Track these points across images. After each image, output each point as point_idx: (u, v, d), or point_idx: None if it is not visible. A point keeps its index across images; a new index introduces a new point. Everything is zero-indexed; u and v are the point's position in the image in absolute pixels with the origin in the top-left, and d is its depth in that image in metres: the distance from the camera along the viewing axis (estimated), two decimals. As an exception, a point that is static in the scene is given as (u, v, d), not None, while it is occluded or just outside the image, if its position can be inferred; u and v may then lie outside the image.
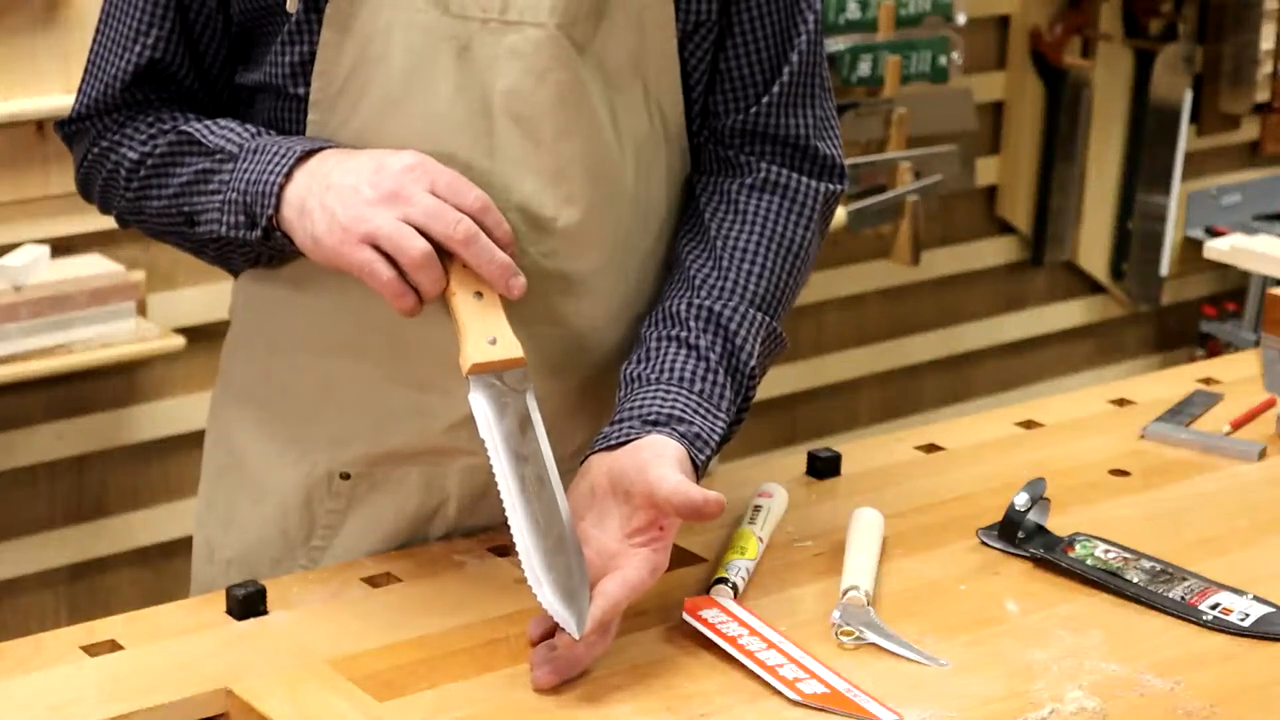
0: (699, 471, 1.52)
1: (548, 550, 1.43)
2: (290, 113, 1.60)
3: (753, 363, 1.62)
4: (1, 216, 2.88)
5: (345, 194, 1.48)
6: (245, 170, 1.54)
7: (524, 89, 1.56)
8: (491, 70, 1.56)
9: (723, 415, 1.57)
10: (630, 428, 1.52)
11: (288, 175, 1.51)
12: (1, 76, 2.85)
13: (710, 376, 1.58)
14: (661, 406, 1.54)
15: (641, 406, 1.55)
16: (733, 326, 1.61)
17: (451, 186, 1.49)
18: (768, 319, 1.64)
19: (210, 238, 1.59)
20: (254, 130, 1.58)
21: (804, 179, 1.68)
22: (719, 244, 1.65)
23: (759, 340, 1.63)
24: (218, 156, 1.57)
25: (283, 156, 1.52)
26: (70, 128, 1.68)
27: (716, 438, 1.55)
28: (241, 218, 1.55)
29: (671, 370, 1.58)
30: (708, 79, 1.67)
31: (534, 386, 1.51)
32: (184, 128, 1.60)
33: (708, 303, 1.62)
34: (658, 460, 1.47)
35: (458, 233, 1.47)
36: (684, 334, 1.60)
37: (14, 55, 2.85)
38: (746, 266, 1.64)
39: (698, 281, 1.64)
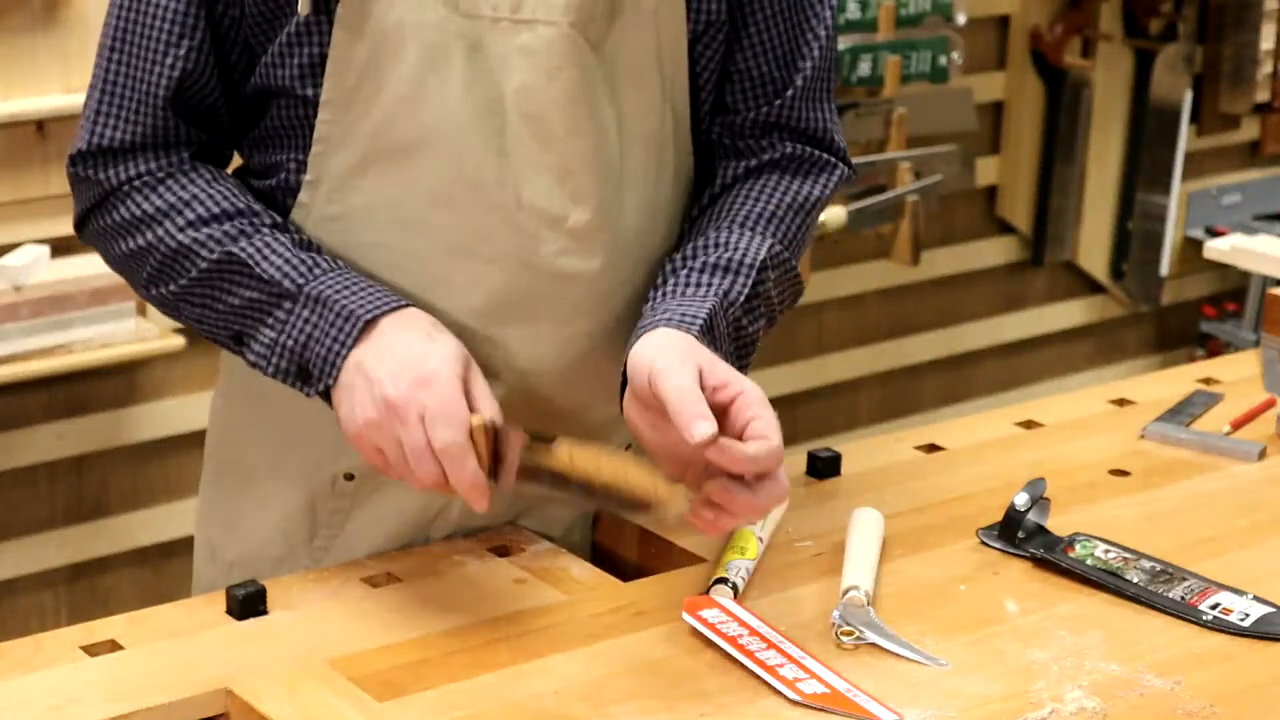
0: (714, 336, 1.54)
1: None
2: (301, 115, 1.60)
3: (760, 257, 1.62)
4: (1, 216, 2.88)
5: (363, 395, 1.50)
6: (305, 322, 1.53)
7: (535, 87, 1.56)
8: (503, 69, 1.56)
9: (712, 297, 1.57)
10: (627, 364, 1.53)
11: (353, 345, 1.51)
12: (1, 76, 2.85)
13: (690, 277, 1.60)
14: (641, 322, 1.56)
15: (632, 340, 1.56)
16: (733, 239, 1.63)
17: (435, 416, 1.47)
18: (774, 242, 1.65)
19: (255, 365, 1.58)
20: (308, 261, 1.55)
21: (823, 154, 1.71)
22: (731, 202, 1.67)
23: (765, 247, 1.63)
24: (272, 290, 1.54)
25: (347, 321, 1.51)
26: (89, 164, 1.60)
27: (705, 311, 1.55)
28: (293, 368, 1.54)
29: (654, 299, 1.60)
30: (717, 79, 1.67)
31: (534, 384, 1.53)
32: (233, 249, 1.55)
33: (712, 234, 1.64)
34: (653, 366, 1.47)
35: (426, 481, 1.49)
36: (676, 269, 1.63)
37: (14, 55, 2.85)
38: (756, 210, 1.66)
39: (704, 228, 1.66)
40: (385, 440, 1.49)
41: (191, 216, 1.57)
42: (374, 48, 1.56)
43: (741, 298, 1.60)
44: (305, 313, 1.53)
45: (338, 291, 1.52)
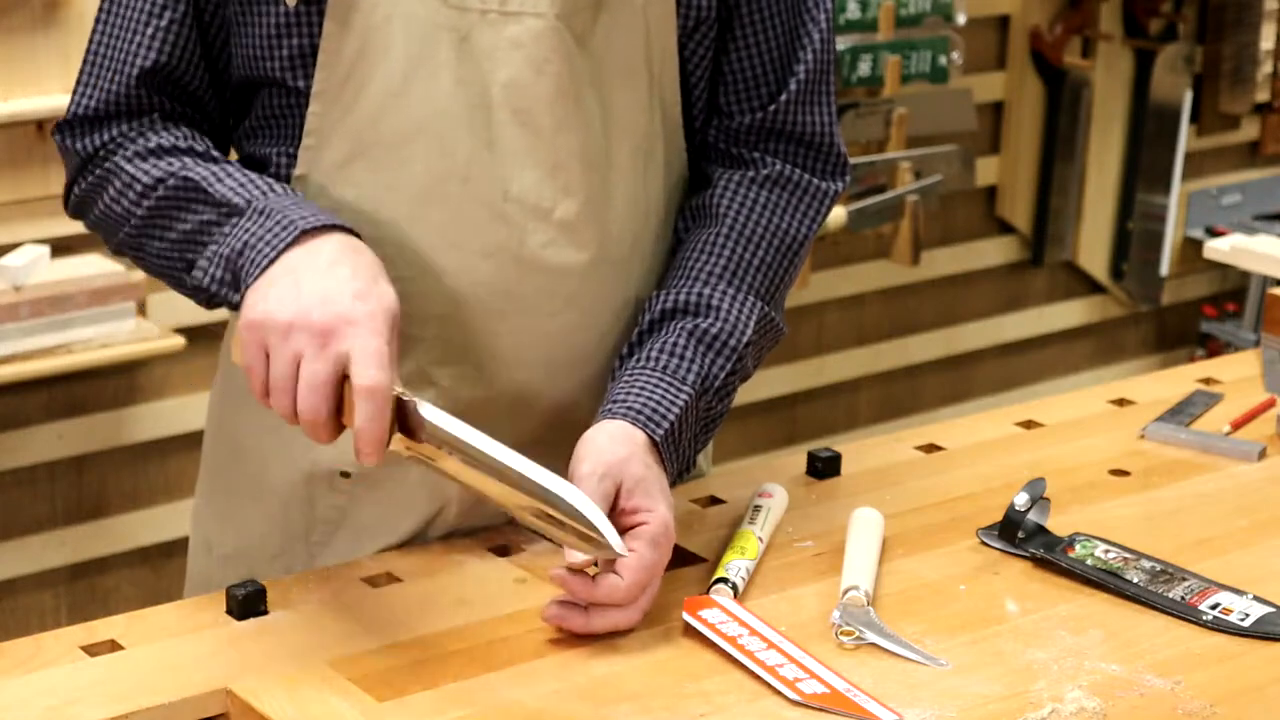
0: (672, 443, 1.57)
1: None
2: (290, 106, 1.60)
3: (746, 337, 1.64)
4: (1, 216, 2.89)
5: (287, 293, 1.43)
6: (246, 231, 1.50)
7: (523, 81, 1.56)
8: (491, 62, 1.56)
9: (687, 388, 1.59)
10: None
11: (287, 248, 1.46)
12: (1, 76, 2.85)
13: (676, 344, 1.61)
14: (613, 388, 1.59)
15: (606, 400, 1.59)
16: (725, 306, 1.64)
17: (365, 355, 1.41)
18: (762, 305, 1.66)
19: (197, 287, 1.55)
20: (264, 186, 1.53)
21: (814, 180, 1.70)
22: (722, 233, 1.67)
23: (753, 320, 1.65)
24: (223, 210, 1.53)
25: (284, 229, 1.47)
26: (71, 133, 1.63)
27: (676, 409, 1.58)
28: (227, 275, 1.51)
29: (645, 358, 1.61)
30: (710, 78, 1.68)
31: (529, 382, 1.57)
32: (188, 174, 1.56)
33: (704, 290, 1.64)
34: (578, 470, 1.52)
35: (301, 411, 1.43)
36: (660, 320, 1.64)
37: (14, 55, 2.85)
38: (746, 257, 1.66)
39: (695, 270, 1.65)
40: (280, 348, 1.42)
41: (151, 145, 1.59)
42: (363, 40, 1.56)
43: (718, 381, 1.63)
44: (248, 224, 1.50)
45: (286, 207, 1.49)
